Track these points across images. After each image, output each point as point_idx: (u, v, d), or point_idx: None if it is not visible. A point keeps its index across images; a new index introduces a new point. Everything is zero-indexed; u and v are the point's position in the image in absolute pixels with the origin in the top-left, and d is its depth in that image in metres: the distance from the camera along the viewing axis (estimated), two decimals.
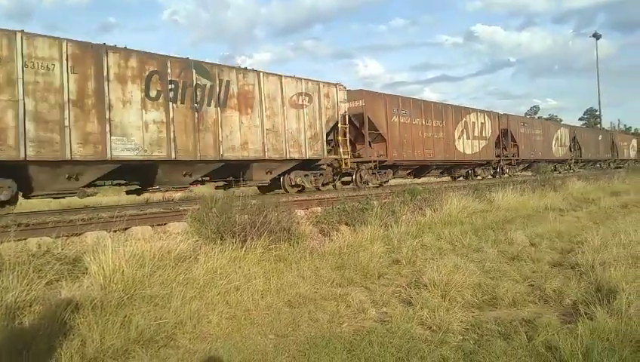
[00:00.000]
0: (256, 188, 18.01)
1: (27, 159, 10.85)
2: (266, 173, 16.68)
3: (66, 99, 11.55)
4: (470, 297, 5.93)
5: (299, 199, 13.09)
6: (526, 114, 77.69)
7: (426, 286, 6.18)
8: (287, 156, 16.75)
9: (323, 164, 18.61)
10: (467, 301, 5.84)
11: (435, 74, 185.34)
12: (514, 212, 13.50)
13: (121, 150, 12.46)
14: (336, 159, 18.79)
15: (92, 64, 12.09)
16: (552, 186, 19.30)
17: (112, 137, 12.29)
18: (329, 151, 18.69)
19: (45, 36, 11.48)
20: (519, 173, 32.12)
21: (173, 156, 13.49)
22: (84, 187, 12.49)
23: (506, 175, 30.75)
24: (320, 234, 9.90)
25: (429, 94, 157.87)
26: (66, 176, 11.79)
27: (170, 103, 13.58)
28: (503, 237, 9.65)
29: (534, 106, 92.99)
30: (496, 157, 29.92)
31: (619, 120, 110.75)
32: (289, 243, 8.12)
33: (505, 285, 6.24)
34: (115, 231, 8.02)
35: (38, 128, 11.02)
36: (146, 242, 7.12)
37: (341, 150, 18.70)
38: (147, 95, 13.15)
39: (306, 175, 17.94)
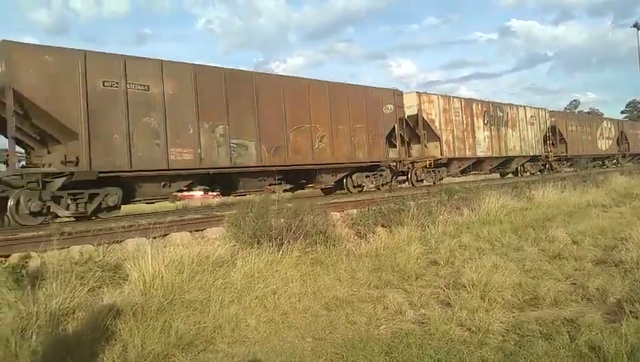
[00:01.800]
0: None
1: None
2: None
3: None
4: (510, 297, 5.82)
5: (334, 201, 13.08)
6: (566, 108, 76.05)
7: (465, 286, 6.11)
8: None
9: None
10: (507, 301, 5.74)
11: (470, 71, 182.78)
12: (555, 209, 13.22)
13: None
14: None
15: None
16: (594, 182, 18.81)
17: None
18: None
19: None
20: (568, 169, 31.80)
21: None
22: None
23: (554, 170, 30.93)
24: (356, 237, 9.87)
25: (464, 92, 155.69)
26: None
27: None
28: (543, 235, 9.45)
29: (574, 100, 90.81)
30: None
31: None
32: (325, 246, 8.12)
33: (546, 284, 6.11)
34: (154, 238, 8.16)
35: None
36: (184, 248, 7.23)
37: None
38: None
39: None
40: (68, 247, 7.18)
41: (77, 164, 11.04)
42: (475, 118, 24.31)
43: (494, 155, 25.56)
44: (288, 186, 16.99)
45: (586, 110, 77.91)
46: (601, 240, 9.03)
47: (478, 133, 24.44)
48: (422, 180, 21.24)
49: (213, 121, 13.59)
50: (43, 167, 11.07)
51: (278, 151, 15.29)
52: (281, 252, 7.30)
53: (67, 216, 11.35)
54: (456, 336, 4.82)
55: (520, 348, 4.46)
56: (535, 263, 7.40)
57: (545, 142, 30.66)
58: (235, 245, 7.84)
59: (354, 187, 18.66)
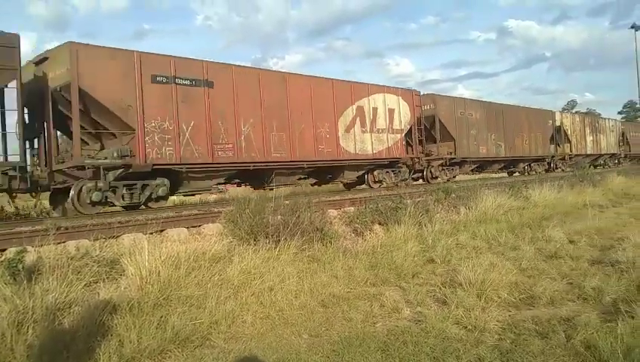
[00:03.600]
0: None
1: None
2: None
3: None
4: (507, 296, 5.84)
5: (331, 199, 13.06)
6: (563, 108, 76.04)
7: (461, 285, 6.12)
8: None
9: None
10: (504, 300, 5.76)
11: (468, 71, 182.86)
12: (551, 209, 13.24)
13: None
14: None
15: None
16: (591, 182, 18.85)
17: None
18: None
19: None
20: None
21: None
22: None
23: (559, 170, 31.34)
24: (353, 234, 9.87)
25: (462, 91, 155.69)
26: None
27: None
28: (540, 234, 9.48)
29: (571, 101, 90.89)
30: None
31: None
32: (322, 244, 8.13)
33: (542, 283, 6.14)
34: (151, 234, 8.14)
35: None
36: (181, 244, 7.23)
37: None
38: None
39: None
40: (64, 242, 7.16)
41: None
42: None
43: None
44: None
45: (583, 110, 78.02)
46: (598, 240, 9.05)
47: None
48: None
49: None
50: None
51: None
52: (278, 248, 7.30)
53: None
54: (453, 334, 4.83)
55: (516, 346, 4.47)
56: (531, 262, 7.42)
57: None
58: (231, 241, 7.84)
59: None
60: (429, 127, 22.10)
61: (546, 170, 30.93)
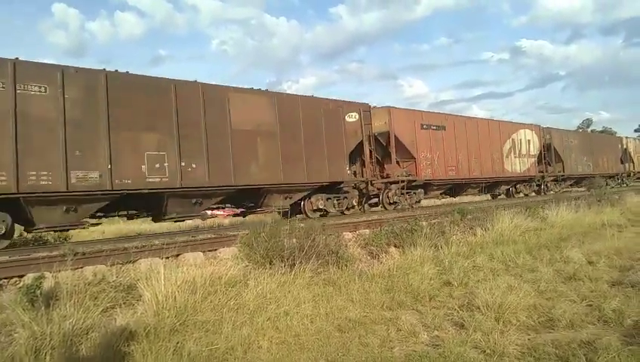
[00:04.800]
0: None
1: None
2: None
3: None
4: (525, 319, 5.77)
5: (345, 221, 13.05)
6: (579, 127, 75.52)
7: (479, 308, 6.05)
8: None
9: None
10: (522, 323, 5.68)
11: (483, 91, 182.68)
12: (569, 229, 13.09)
13: None
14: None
15: None
16: (609, 201, 18.63)
17: None
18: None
19: None
20: (570, 189, 31.42)
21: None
22: None
23: (551, 192, 29.86)
24: (368, 257, 9.84)
25: (477, 111, 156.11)
26: None
27: None
28: (558, 255, 9.36)
29: (587, 119, 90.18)
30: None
31: None
32: (337, 267, 8.10)
33: (562, 306, 6.04)
34: (167, 258, 8.18)
35: None
36: (197, 268, 7.24)
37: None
38: None
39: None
40: (81, 267, 7.22)
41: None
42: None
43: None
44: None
45: (598, 129, 77.43)
46: (617, 261, 8.92)
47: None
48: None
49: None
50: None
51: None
52: (293, 272, 7.29)
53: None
54: (471, 359, 4.76)
55: None
56: (550, 284, 7.33)
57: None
58: (247, 265, 7.84)
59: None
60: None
61: (618, 184, 37.41)
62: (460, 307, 6.35)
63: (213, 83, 14.31)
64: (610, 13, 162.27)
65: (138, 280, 6.68)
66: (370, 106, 19.03)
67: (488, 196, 27.93)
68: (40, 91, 10.79)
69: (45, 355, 4.64)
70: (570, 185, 31.23)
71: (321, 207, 16.76)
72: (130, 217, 13.52)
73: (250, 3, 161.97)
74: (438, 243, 10.02)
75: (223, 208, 15.51)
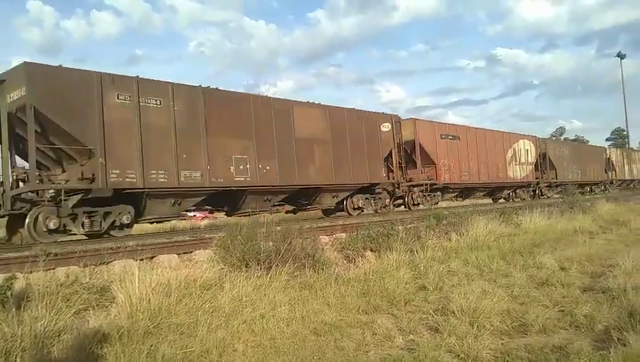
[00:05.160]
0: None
1: None
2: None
3: None
4: (499, 324, 5.84)
5: (323, 225, 13.05)
6: (552, 135, 76.76)
7: (454, 312, 6.11)
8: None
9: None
10: (496, 327, 5.75)
11: (458, 98, 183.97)
12: (542, 235, 13.28)
13: None
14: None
15: None
16: (581, 208, 18.96)
17: None
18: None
19: None
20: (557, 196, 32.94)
21: None
22: None
23: (544, 196, 31.86)
24: (345, 261, 9.84)
25: (452, 118, 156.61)
26: None
27: None
28: (531, 261, 9.50)
29: (560, 127, 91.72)
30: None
31: None
32: (314, 270, 8.09)
33: (534, 311, 6.14)
34: (142, 260, 8.08)
35: None
36: (172, 270, 7.16)
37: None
38: None
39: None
40: (54, 268, 7.09)
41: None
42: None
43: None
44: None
45: (571, 137, 78.86)
46: (589, 267, 9.09)
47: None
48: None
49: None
50: None
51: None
52: (269, 275, 7.26)
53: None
54: None
55: None
56: (523, 289, 7.43)
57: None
58: (223, 268, 7.78)
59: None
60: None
61: (602, 190, 39.63)
62: (434, 311, 6.40)
63: (281, 98, 16.98)
64: (584, 24, 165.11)
65: (112, 282, 6.58)
66: (399, 118, 21.89)
67: (490, 200, 30.39)
68: (156, 104, 12.89)
69: (16, 357, 4.54)
70: (561, 190, 32.35)
71: (360, 205, 19.58)
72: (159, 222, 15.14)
73: (230, 5, 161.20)
74: (414, 247, 10.08)
75: (200, 210, 16.67)
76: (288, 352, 5.27)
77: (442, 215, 13.81)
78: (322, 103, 18.14)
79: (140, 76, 12.73)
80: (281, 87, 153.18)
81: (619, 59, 62.16)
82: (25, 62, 11.30)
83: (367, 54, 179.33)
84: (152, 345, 5.02)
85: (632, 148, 58.90)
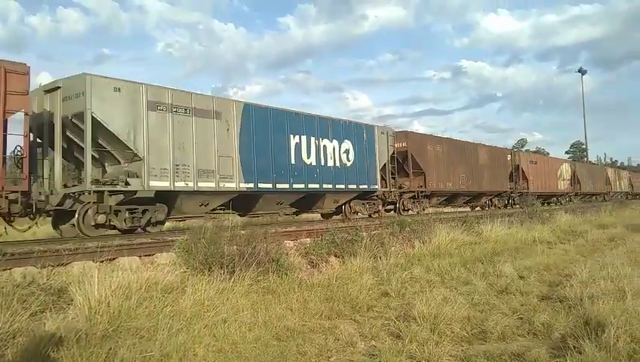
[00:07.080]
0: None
1: None
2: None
3: None
4: (459, 330, 5.90)
5: (288, 230, 13.05)
6: (513, 147, 78.36)
7: (415, 319, 6.15)
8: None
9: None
10: (456, 334, 5.81)
11: (424, 107, 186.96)
12: (502, 244, 13.53)
13: None
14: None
15: None
16: (540, 219, 19.39)
17: None
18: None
19: None
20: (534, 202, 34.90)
21: None
22: None
23: (517, 205, 33.72)
24: (309, 266, 9.84)
25: (418, 127, 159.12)
26: None
27: None
28: (491, 269, 9.64)
29: (521, 140, 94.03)
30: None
31: (605, 154, 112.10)
32: (277, 275, 8.06)
33: (494, 318, 6.23)
34: (102, 262, 7.93)
35: None
36: (132, 273, 7.04)
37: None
38: None
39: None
40: (10, 269, 6.90)
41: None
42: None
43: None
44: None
45: (532, 149, 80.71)
46: (547, 276, 9.29)
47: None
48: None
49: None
50: None
51: None
52: (232, 279, 7.20)
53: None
54: None
55: None
56: (483, 297, 7.53)
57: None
58: (185, 271, 7.69)
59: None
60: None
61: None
62: (396, 317, 6.43)
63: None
64: (546, 40, 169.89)
65: (70, 283, 6.43)
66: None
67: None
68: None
69: None
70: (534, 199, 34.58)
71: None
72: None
73: (199, 7, 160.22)
74: (378, 254, 10.14)
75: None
76: (250, 357, 5.23)
77: (406, 222, 13.94)
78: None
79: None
80: (249, 90, 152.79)
81: (580, 75, 64.23)
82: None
83: (336, 62, 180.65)
84: (110, 349, 4.91)
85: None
